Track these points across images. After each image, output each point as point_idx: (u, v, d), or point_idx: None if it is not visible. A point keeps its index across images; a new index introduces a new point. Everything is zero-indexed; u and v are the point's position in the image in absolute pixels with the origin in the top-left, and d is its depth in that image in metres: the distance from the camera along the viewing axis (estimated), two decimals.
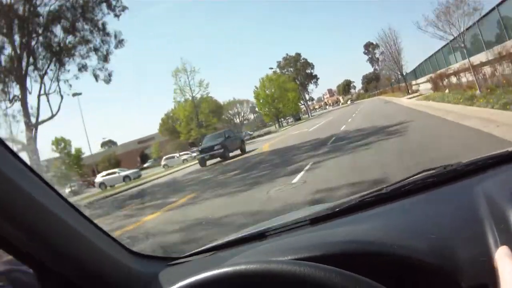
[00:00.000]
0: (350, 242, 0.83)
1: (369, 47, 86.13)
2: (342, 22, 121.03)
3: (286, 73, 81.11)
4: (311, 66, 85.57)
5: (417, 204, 0.99)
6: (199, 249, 1.21)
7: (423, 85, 32.79)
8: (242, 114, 58.31)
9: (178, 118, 46.81)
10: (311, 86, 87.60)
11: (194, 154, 41.03)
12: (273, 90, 64.19)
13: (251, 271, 0.67)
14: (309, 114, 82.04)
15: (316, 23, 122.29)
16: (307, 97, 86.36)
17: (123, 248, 1.03)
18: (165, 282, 0.99)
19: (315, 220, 1.11)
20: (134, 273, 0.99)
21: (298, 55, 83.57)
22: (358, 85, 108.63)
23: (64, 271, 0.84)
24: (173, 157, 41.05)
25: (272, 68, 75.93)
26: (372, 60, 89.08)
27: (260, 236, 1.15)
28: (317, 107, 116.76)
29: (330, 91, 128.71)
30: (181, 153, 42.86)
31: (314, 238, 0.94)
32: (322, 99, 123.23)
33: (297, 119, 74.41)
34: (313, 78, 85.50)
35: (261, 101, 63.96)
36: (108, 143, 65.99)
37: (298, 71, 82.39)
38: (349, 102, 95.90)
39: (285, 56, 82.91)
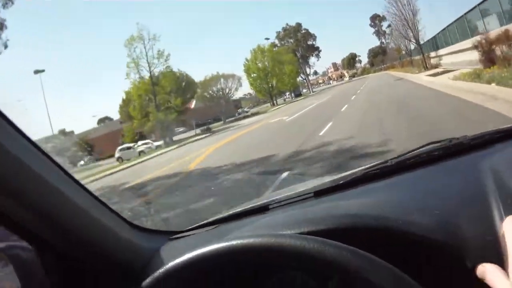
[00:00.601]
0: (355, 216, 0.82)
1: (376, 19, 78.63)
2: None
3: (286, 44, 73.11)
4: (313, 37, 77.18)
5: (422, 178, 0.97)
6: (202, 223, 1.19)
7: (448, 58, 24.70)
8: (227, 91, 50.55)
9: (131, 99, 37.46)
10: (312, 60, 79.49)
11: (157, 144, 33.69)
12: (266, 63, 56.26)
13: (257, 244, 0.67)
14: (310, 89, 74.44)
15: None
16: (308, 71, 79.21)
17: (125, 221, 1.01)
18: (167, 257, 0.96)
19: (319, 193, 1.09)
20: (136, 247, 0.98)
21: (299, 25, 75.24)
22: (364, 59, 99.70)
23: (63, 245, 0.83)
24: (129, 147, 33.18)
25: (268, 39, 67.78)
26: (379, 33, 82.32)
27: (264, 209, 1.14)
28: (320, 81, 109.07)
29: (334, 65, 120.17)
30: (140, 143, 34.44)
31: (318, 211, 0.93)
32: (327, 73, 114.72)
33: (298, 94, 68.39)
34: (314, 50, 77.32)
35: (252, 75, 56.23)
36: (105, 120, 59.75)
37: (298, 43, 74.18)
38: (346, 78, 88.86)
39: (285, 27, 74.59)
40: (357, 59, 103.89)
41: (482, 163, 0.88)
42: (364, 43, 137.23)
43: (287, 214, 1.00)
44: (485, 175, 0.82)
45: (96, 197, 0.90)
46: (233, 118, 50.53)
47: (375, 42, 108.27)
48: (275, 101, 59.56)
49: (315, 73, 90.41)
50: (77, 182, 0.86)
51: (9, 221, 0.75)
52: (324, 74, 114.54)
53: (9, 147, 0.68)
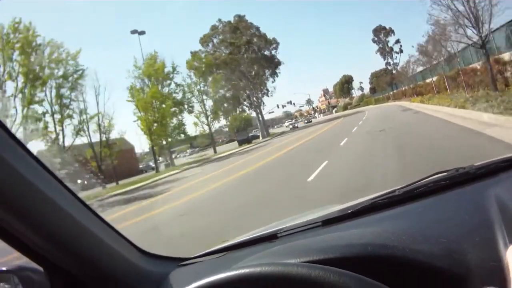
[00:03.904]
0: (363, 245, 0.82)
1: (381, 33, 57.96)
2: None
3: (217, 52, 44.07)
4: (271, 43, 48.21)
5: (429, 207, 0.99)
6: (210, 250, 1.20)
7: None
8: None
9: None
10: (272, 81, 50.56)
11: None
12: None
13: (267, 273, 0.68)
14: (264, 132, 45.28)
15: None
16: (265, 101, 51.37)
17: (134, 247, 1.04)
18: (176, 283, 0.99)
19: (327, 222, 1.10)
20: (145, 273, 1.00)
21: (240, 18, 46.26)
22: (366, 85, 70.71)
23: (74, 270, 0.85)
24: None
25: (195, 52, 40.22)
26: (384, 51, 57.66)
27: (272, 237, 1.14)
28: (297, 116, 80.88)
29: (326, 91, 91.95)
30: None
31: (327, 240, 0.93)
32: (309, 105, 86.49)
33: (244, 140, 41.96)
34: (274, 64, 48.03)
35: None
36: None
37: (245, 50, 45.13)
38: (320, 115, 62.05)
39: (215, 24, 45.85)
40: (356, 83, 76.27)
41: (487, 192, 0.91)
42: (364, 64, 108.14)
43: (296, 243, 1.00)
44: (490, 204, 0.84)
45: (107, 223, 0.93)
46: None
47: (379, 63, 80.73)
48: (172, 161, 30.68)
49: (290, 103, 61.65)
50: (89, 208, 0.88)
51: (21, 245, 0.77)
52: (309, 103, 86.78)
53: (24, 173, 0.71)
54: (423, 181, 1.10)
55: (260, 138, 45.01)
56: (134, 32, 32.82)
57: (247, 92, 46.16)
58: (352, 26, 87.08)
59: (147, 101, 26.45)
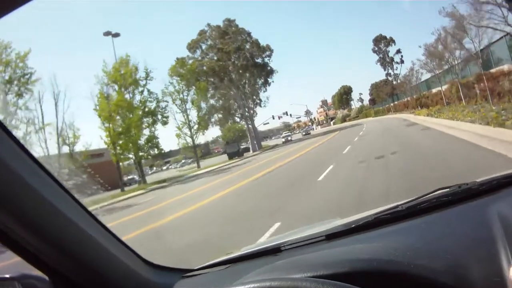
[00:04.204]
0: (369, 261, 0.83)
1: (381, 42, 55.10)
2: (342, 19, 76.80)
3: (206, 59, 41.05)
4: (264, 50, 45.05)
5: (432, 223, 1.00)
6: (214, 262, 1.20)
7: None
8: None
9: None
10: (266, 92, 47.45)
11: None
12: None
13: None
14: (254, 145, 41.89)
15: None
16: (259, 111, 48.45)
17: (139, 258, 1.04)
18: None
19: (331, 236, 1.10)
20: (149, 283, 1.00)
21: (230, 22, 43.06)
22: (366, 96, 67.30)
23: (79, 279, 0.85)
24: None
25: (182, 59, 37.40)
26: (384, 61, 55.17)
27: (275, 250, 1.14)
28: (296, 127, 77.15)
29: (324, 103, 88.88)
30: None
31: (332, 255, 0.94)
32: (308, 116, 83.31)
33: (233, 153, 39.39)
34: (266, 73, 44.73)
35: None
36: None
37: (235, 57, 41.97)
38: (317, 127, 58.31)
39: (203, 29, 42.66)
40: (356, 95, 72.84)
41: (489, 208, 0.91)
42: (364, 74, 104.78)
43: (301, 257, 1.00)
44: (493, 220, 0.85)
45: (112, 234, 0.94)
46: None
47: (379, 74, 77.72)
48: (143, 177, 27.16)
49: (287, 115, 58.31)
50: (94, 217, 0.89)
51: (26, 252, 0.78)
52: (307, 114, 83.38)
53: (30, 182, 0.72)
54: (426, 197, 1.10)
55: (251, 151, 41.45)
56: (107, 34, 29.34)
57: (237, 102, 42.66)
58: (352, 35, 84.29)
59: (112, 110, 22.77)
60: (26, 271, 0.88)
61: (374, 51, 56.48)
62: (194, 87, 34.89)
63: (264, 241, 1.39)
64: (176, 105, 33.77)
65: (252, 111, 45.68)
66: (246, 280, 0.78)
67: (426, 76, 24.00)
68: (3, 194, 0.70)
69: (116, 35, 29.20)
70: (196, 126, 33.76)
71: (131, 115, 23.79)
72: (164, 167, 49.50)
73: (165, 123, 27.63)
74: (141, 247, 1.16)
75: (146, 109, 25.97)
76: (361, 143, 15.47)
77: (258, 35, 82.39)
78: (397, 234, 0.99)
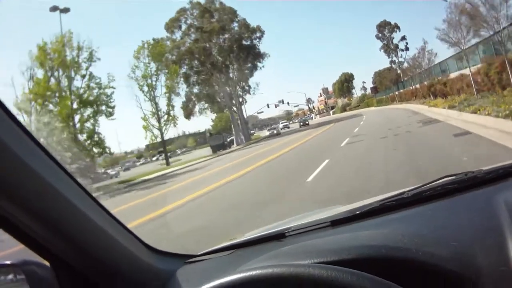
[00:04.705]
0: (377, 247, 0.82)
1: (385, 28, 49.43)
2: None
3: (188, 41, 36.39)
4: (254, 31, 39.94)
5: (438, 211, 0.99)
6: (217, 247, 1.18)
7: None
8: None
9: None
10: (254, 79, 42.54)
11: None
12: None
13: (278, 274, 0.67)
14: (239, 138, 37.38)
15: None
16: (251, 99, 45.43)
17: (142, 244, 1.03)
18: (183, 280, 1.00)
19: (336, 222, 1.09)
20: (152, 269, 1.00)
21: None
22: (369, 85, 61.48)
23: (81, 265, 0.85)
24: None
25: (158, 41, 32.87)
26: (389, 48, 49.27)
27: (280, 236, 1.13)
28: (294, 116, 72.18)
29: (325, 91, 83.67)
30: None
31: (337, 241, 0.93)
32: (309, 104, 78.51)
33: (220, 147, 33.97)
34: (254, 56, 39.59)
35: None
36: None
37: (218, 38, 36.98)
38: (316, 116, 53.51)
39: (184, 7, 37.36)
40: (359, 82, 67.27)
41: (496, 197, 0.91)
42: (368, 62, 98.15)
43: (306, 243, 0.99)
44: (499, 208, 0.84)
45: (115, 219, 0.92)
46: None
47: (383, 61, 71.61)
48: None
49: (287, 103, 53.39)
50: (97, 202, 0.88)
51: (27, 238, 0.77)
52: (309, 102, 78.29)
53: (32, 165, 0.71)
54: (432, 184, 1.09)
55: (234, 144, 36.55)
56: (54, 9, 24.04)
57: (220, 88, 37.55)
58: (355, 20, 78.11)
59: (33, 98, 17.73)
60: (27, 257, 0.86)
61: (378, 37, 51.00)
62: (166, 72, 29.81)
63: (268, 226, 1.19)
64: (143, 92, 28.79)
65: (241, 99, 40.71)
66: (252, 266, 0.77)
67: (443, 55, 18.39)
68: (4, 177, 0.68)
69: (65, 10, 23.95)
70: (166, 117, 28.84)
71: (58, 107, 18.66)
72: (128, 164, 44.26)
73: (110, 114, 22.28)
74: None
75: (84, 99, 20.76)
76: (350, 151, 10.60)
77: (251, 15, 76.48)
78: (403, 221, 0.97)
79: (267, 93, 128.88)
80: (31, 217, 0.73)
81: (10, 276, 0.90)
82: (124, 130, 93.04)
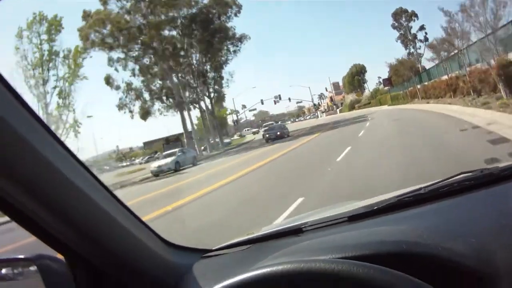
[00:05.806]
0: (397, 243, 0.82)
1: (401, 17, 42.16)
2: None
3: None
4: (227, 5, 29.40)
5: (455, 207, 1.00)
6: (233, 241, 1.18)
7: None
8: None
9: None
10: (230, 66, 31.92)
11: None
12: None
13: (300, 270, 0.68)
14: (205, 147, 26.95)
15: None
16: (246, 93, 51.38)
17: (159, 238, 1.03)
18: (200, 275, 0.99)
19: (353, 218, 1.09)
20: (169, 263, 1.00)
21: None
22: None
23: (97, 260, 0.84)
24: None
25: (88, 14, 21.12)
26: (406, 39, 41.70)
27: (297, 231, 1.13)
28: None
29: (336, 85, 73.09)
30: None
31: (356, 237, 0.93)
32: (321, 100, 68.42)
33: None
34: (220, 39, 29.06)
35: None
36: None
37: (172, 13, 26.49)
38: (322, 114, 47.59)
39: None
40: (375, 78, 55.90)
41: None
42: (382, 53, 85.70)
43: (325, 239, 0.98)
44: None
45: (132, 213, 0.92)
46: None
47: (399, 51, 59.85)
48: None
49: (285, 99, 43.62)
50: (113, 195, 0.87)
51: (42, 231, 0.76)
52: (321, 98, 68.27)
53: (49, 157, 0.70)
54: (448, 180, 1.09)
55: (208, 151, 26.42)
56: None
57: (170, 81, 27.37)
58: (368, 7, 66.33)
59: None
60: (41, 251, 0.85)
61: (394, 27, 41.99)
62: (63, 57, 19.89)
63: (285, 221, 1.24)
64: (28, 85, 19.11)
65: (212, 94, 30.56)
66: (271, 261, 0.77)
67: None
68: (18, 169, 0.67)
69: None
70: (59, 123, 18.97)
71: None
72: None
73: None
74: None
75: None
76: None
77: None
78: (421, 217, 0.97)
79: (267, 88, 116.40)
80: (47, 210, 0.71)
81: (24, 270, 0.88)
82: None
